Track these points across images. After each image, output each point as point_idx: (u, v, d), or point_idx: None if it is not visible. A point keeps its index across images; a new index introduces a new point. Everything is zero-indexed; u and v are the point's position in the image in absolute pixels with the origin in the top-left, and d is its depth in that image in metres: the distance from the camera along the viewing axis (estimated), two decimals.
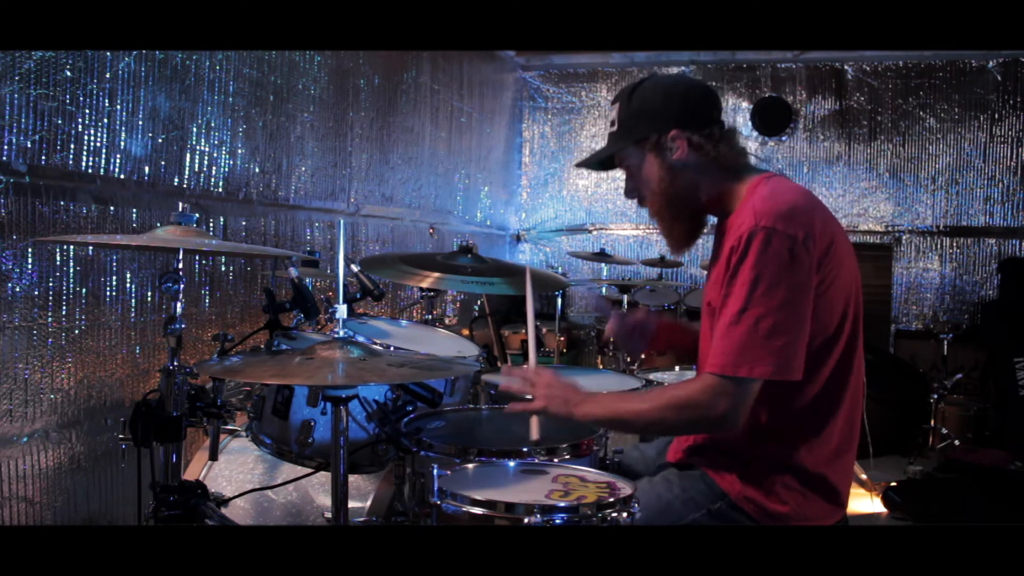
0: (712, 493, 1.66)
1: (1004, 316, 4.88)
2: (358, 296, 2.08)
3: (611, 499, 1.43)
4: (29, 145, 2.19)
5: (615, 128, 1.75)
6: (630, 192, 1.80)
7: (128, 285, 2.53)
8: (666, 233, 1.78)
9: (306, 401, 1.85)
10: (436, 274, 2.27)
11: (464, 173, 5.29)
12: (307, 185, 3.51)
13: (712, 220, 1.80)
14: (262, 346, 1.89)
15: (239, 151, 3.06)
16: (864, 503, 3.50)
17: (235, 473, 2.23)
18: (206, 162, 2.88)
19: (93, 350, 2.43)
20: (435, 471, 1.44)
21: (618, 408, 1.66)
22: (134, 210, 2.55)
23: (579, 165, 1.95)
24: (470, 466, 1.61)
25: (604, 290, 5.68)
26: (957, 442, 4.36)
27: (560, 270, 5.57)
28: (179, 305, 1.66)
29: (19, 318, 2.19)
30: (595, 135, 6.11)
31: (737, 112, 5.79)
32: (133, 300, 2.55)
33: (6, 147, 2.13)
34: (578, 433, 1.79)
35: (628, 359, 3.79)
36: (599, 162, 1.88)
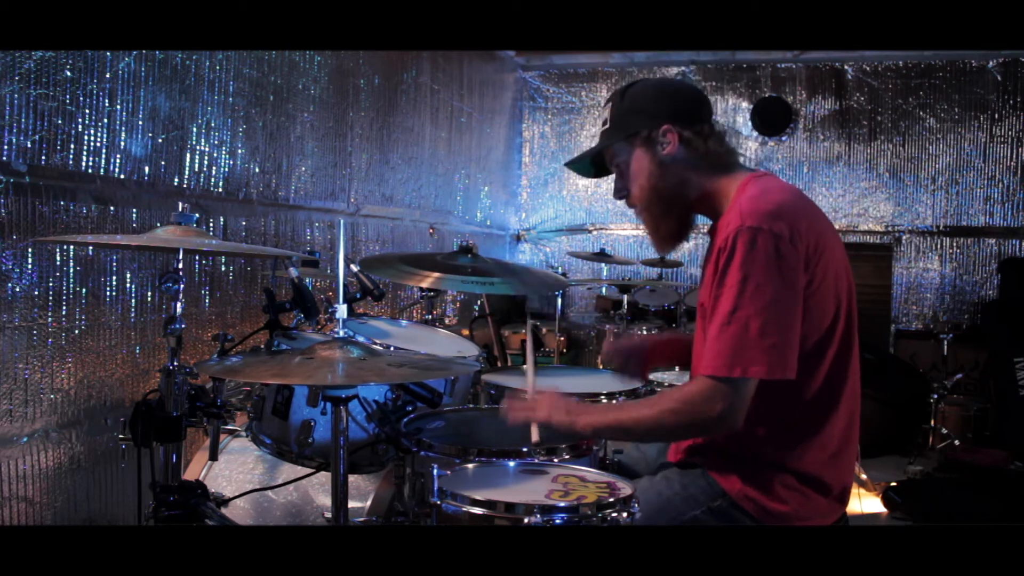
0: (712, 491, 1.66)
1: (1004, 316, 4.88)
2: (358, 296, 2.09)
3: (611, 499, 1.43)
4: (29, 145, 2.19)
5: (607, 126, 1.78)
6: (619, 191, 1.81)
7: (128, 285, 2.53)
8: (652, 230, 1.78)
9: (306, 401, 1.85)
10: (436, 274, 2.27)
11: (464, 173, 5.29)
12: (307, 185, 3.51)
13: (703, 221, 1.81)
14: (262, 346, 1.89)
15: (239, 151, 3.06)
16: (864, 503, 3.50)
17: (235, 473, 2.23)
18: (206, 162, 2.88)
19: (93, 350, 2.43)
20: (435, 471, 1.44)
21: (619, 416, 1.67)
22: (134, 210, 2.55)
23: (568, 165, 1.94)
24: (470, 466, 1.61)
25: (604, 290, 5.68)
26: (957, 442, 4.36)
27: (560, 270, 5.57)
28: (179, 305, 1.65)
29: (19, 318, 2.19)
30: (595, 135, 6.08)
31: (737, 112, 5.79)
32: (133, 300, 2.55)
33: (6, 147, 2.13)
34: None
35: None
36: (592, 168, 1.90)
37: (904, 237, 5.52)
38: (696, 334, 1.77)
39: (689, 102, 1.74)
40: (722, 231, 1.58)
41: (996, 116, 5.28)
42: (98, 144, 2.40)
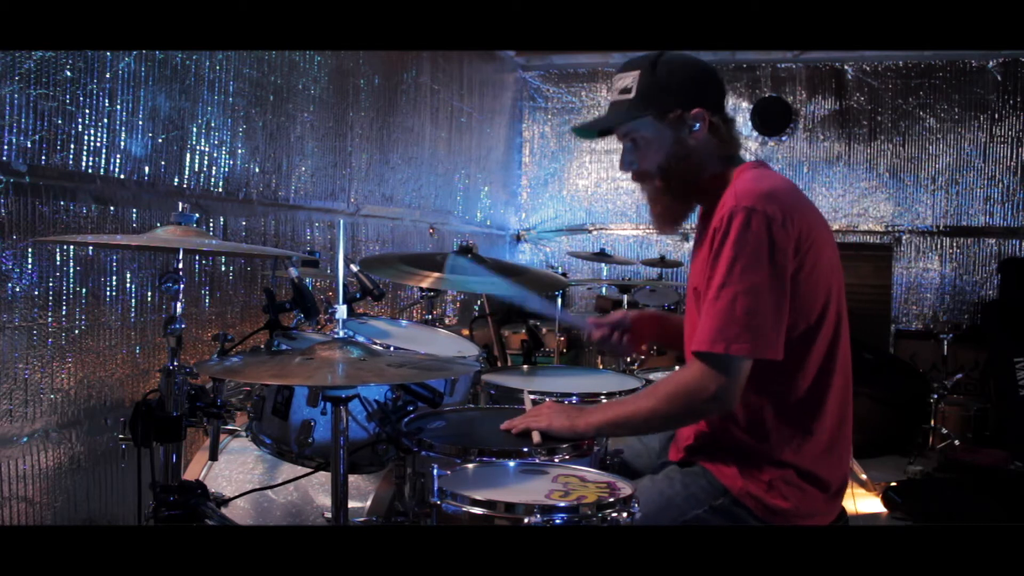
0: (714, 489, 1.66)
1: (1004, 316, 4.88)
2: (358, 296, 2.08)
3: (611, 499, 1.43)
4: (29, 145, 2.19)
5: (631, 96, 1.71)
6: (629, 165, 1.77)
7: (128, 285, 2.53)
8: (662, 210, 1.76)
9: (306, 401, 1.85)
10: (436, 274, 2.27)
11: (464, 173, 5.29)
12: (307, 185, 3.51)
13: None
14: (262, 346, 1.89)
15: (239, 151, 3.06)
16: (864, 503, 3.50)
17: (235, 473, 2.23)
18: (206, 162, 2.88)
19: (93, 350, 2.43)
20: (435, 471, 1.44)
21: (619, 411, 1.69)
22: (134, 210, 2.55)
23: (579, 128, 1.89)
24: (470, 466, 1.61)
25: (604, 290, 5.68)
26: (957, 442, 4.36)
27: (560, 270, 5.57)
28: (179, 305, 1.65)
29: (19, 318, 2.18)
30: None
31: (737, 112, 5.78)
32: (133, 300, 2.55)
33: (6, 147, 2.13)
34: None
35: (628, 359, 3.78)
36: (594, 130, 1.89)
37: (904, 237, 5.52)
38: (688, 318, 1.77)
39: (718, 88, 1.75)
40: (718, 212, 1.59)
41: (996, 116, 5.28)
42: (98, 144, 2.40)
